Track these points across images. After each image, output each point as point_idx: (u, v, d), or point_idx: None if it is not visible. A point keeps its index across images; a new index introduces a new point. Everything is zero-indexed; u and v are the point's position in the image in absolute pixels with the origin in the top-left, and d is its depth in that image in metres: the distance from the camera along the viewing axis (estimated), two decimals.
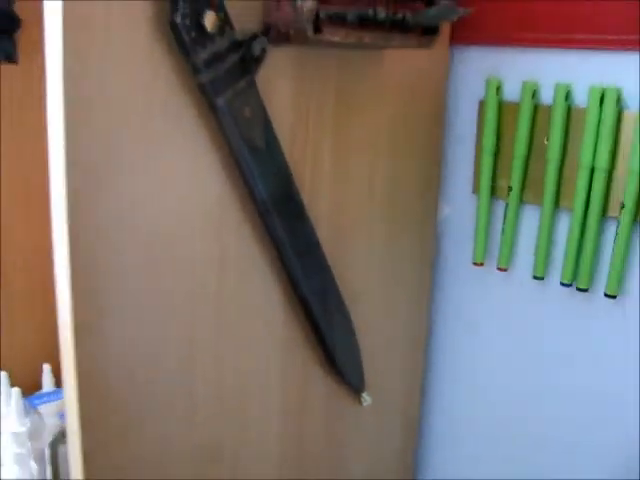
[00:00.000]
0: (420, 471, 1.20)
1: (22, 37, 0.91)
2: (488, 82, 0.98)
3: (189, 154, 0.71)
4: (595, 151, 0.89)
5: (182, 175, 0.71)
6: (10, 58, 0.91)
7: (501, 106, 0.98)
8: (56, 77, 0.61)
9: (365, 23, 0.75)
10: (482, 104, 1.00)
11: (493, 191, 1.00)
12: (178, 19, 0.65)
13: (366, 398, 0.99)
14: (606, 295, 0.92)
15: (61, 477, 0.95)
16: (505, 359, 1.06)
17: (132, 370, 0.71)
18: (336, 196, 0.88)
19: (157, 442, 0.76)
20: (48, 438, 0.97)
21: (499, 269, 1.01)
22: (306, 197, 0.81)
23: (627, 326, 0.93)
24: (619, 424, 0.97)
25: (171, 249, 0.72)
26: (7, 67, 0.92)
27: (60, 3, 0.59)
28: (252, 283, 0.81)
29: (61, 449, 0.93)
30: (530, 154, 0.96)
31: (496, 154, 0.99)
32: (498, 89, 0.97)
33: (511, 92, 0.97)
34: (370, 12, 0.74)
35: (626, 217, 0.88)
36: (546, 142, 0.94)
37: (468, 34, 0.98)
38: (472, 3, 0.95)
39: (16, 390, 0.97)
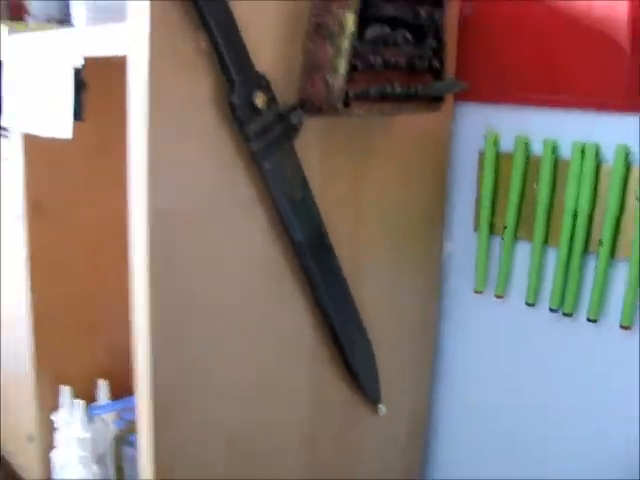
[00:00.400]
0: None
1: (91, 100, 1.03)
2: (487, 136, 1.13)
3: (242, 207, 0.87)
4: (577, 197, 1.03)
5: (235, 224, 0.87)
6: (78, 117, 1.06)
7: (498, 156, 1.13)
8: (140, 148, 0.77)
9: (385, 96, 0.90)
10: (481, 154, 1.15)
11: (491, 229, 1.15)
12: (235, 99, 0.81)
13: (382, 408, 1.14)
14: (588, 319, 1.06)
15: (125, 474, 1.10)
16: (502, 374, 1.20)
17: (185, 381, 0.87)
18: (356, 238, 1.04)
19: (197, 435, 0.91)
20: (109, 442, 1.12)
21: (496, 296, 1.16)
22: (333, 239, 0.97)
23: (607, 346, 1.07)
24: (603, 434, 1.10)
25: (228, 277, 0.88)
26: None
27: (147, 88, 0.76)
28: (288, 309, 0.97)
29: (125, 450, 1.08)
30: (523, 198, 1.11)
31: (494, 197, 1.14)
32: (495, 142, 1.13)
33: (507, 144, 1.12)
34: (389, 88, 0.90)
35: (604, 252, 1.03)
36: (536, 187, 1.09)
37: (470, 94, 1.13)
38: (474, 65, 1.12)
39: (81, 402, 1.13)
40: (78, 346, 1.21)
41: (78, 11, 0.95)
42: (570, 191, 1.04)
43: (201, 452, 0.91)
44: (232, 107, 0.81)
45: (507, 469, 1.22)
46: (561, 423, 1.14)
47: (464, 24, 1.11)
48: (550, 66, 1.06)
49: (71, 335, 1.19)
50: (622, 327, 1.03)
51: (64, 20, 1.41)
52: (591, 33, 1.01)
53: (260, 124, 0.83)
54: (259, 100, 0.83)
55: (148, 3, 0.75)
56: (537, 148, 1.09)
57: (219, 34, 0.79)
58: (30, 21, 1.35)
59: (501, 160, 1.13)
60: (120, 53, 0.81)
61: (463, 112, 1.17)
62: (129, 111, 0.79)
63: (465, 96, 1.14)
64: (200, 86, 0.80)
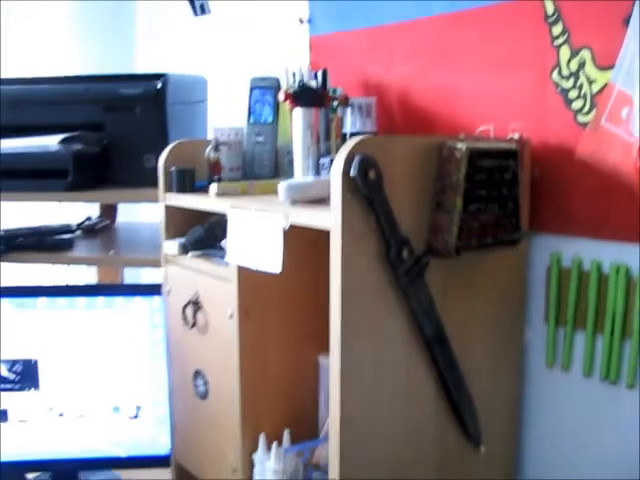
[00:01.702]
0: None
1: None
2: (552, 256, 1.62)
3: (392, 315, 1.39)
4: (615, 302, 1.52)
5: (388, 325, 1.39)
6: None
7: (560, 271, 1.61)
8: (336, 281, 1.31)
9: (481, 245, 1.42)
10: (549, 270, 1.64)
11: (557, 321, 1.63)
12: (391, 255, 1.34)
13: (482, 448, 1.62)
14: (627, 386, 1.53)
15: None
16: (567, 427, 1.65)
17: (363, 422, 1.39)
18: (464, 331, 1.54)
19: (366, 460, 1.42)
20: (296, 472, 1.63)
21: (562, 369, 1.64)
22: (449, 333, 1.48)
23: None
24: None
25: (383, 358, 1.40)
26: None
27: (339, 249, 1.29)
28: (422, 380, 1.48)
29: (312, 475, 1.60)
30: (578, 300, 1.58)
31: (558, 299, 1.62)
32: (558, 261, 1.61)
33: (566, 262, 1.61)
34: (483, 239, 1.41)
35: (636, 337, 1.50)
36: (587, 293, 1.57)
37: (540, 229, 1.63)
38: (543, 210, 1.61)
39: (275, 444, 1.65)
40: (270, 407, 1.72)
41: (281, 190, 1.49)
42: (610, 297, 1.52)
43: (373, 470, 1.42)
44: (389, 259, 1.34)
45: None
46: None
47: (534, 183, 1.61)
48: (594, 211, 1.55)
49: (267, 399, 1.71)
50: None
51: (242, 167, 1.99)
52: (620, 187, 1.50)
53: (405, 267, 1.36)
54: (405, 253, 1.36)
55: (341, 201, 1.29)
56: (587, 266, 1.58)
57: (381, 216, 1.32)
58: (223, 175, 1.92)
59: (562, 274, 1.61)
60: (316, 226, 1.35)
61: (536, 241, 1.66)
62: (331, 261, 1.32)
63: (537, 231, 1.64)
64: (370, 247, 1.33)
